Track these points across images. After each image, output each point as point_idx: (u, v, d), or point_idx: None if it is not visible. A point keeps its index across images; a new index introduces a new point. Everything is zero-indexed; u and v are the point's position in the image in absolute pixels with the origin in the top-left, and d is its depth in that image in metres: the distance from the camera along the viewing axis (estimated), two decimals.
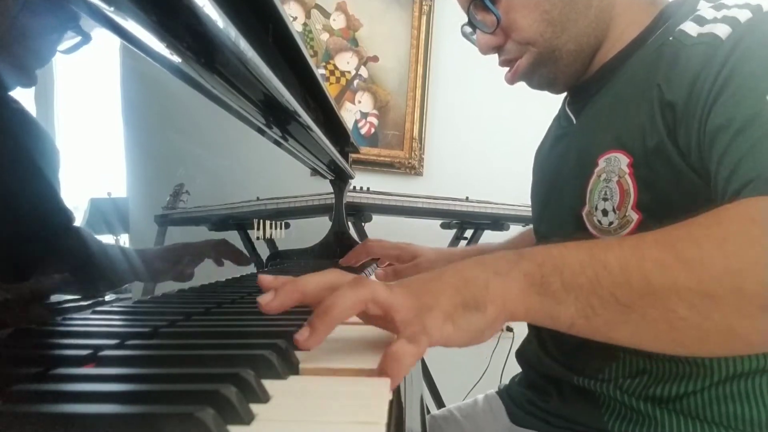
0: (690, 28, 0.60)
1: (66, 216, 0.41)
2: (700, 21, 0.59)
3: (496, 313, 0.42)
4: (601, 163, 0.64)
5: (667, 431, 0.60)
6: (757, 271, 0.40)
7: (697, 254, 0.42)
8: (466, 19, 0.74)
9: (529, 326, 0.77)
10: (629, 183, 0.61)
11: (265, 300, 0.41)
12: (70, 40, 0.40)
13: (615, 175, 0.62)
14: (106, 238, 0.47)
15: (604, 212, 0.63)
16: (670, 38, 0.61)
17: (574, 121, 0.75)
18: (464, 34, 0.79)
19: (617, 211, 0.62)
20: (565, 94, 0.80)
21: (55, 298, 0.40)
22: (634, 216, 0.60)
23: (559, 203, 0.73)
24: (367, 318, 0.43)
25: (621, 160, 0.62)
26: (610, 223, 0.63)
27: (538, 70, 0.71)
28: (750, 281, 0.40)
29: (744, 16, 0.56)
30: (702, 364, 0.59)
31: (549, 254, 0.45)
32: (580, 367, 0.67)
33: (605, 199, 0.63)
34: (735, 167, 0.50)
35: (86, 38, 0.41)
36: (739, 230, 0.42)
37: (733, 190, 0.49)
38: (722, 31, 0.56)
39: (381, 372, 0.35)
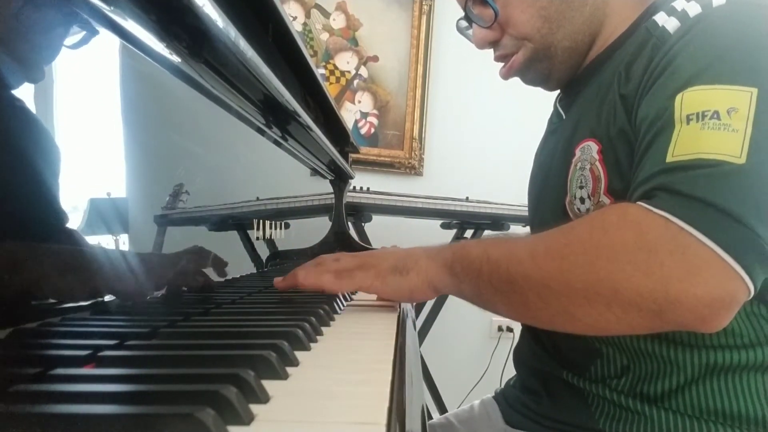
0: (660, 18, 0.61)
1: (60, 218, 0.40)
2: (670, 11, 0.60)
3: (416, 281, 0.60)
4: (578, 152, 0.66)
5: (657, 428, 0.60)
6: (579, 269, 0.50)
7: (544, 253, 0.53)
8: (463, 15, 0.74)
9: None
10: (599, 169, 0.62)
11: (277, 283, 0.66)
12: (76, 34, 0.40)
13: (588, 163, 0.63)
14: (106, 239, 0.47)
15: (582, 200, 0.65)
16: (643, 28, 0.62)
17: (564, 117, 0.76)
18: (459, 29, 0.79)
19: (592, 198, 0.63)
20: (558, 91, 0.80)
21: (49, 299, 0.40)
22: (607, 201, 0.61)
23: (548, 196, 0.74)
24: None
25: (592, 148, 0.63)
26: (587, 210, 0.64)
27: (533, 66, 0.72)
28: (574, 278, 0.50)
29: (694, 10, 0.57)
30: (675, 361, 0.59)
31: (462, 246, 0.60)
32: (568, 361, 0.68)
33: (581, 187, 0.65)
34: (636, 165, 0.55)
35: (92, 32, 0.41)
36: (577, 236, 0.52)
37: (632, 189, 0.54)
38: (672, 25, 0.58)
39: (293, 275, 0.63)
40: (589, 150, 0.64)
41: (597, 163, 0.62)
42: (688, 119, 0.50)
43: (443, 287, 0.60)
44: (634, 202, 0.51)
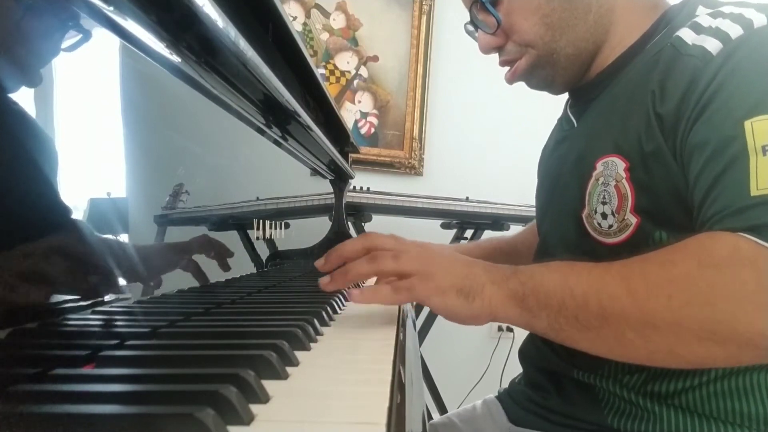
0: (686, 34, 0.60)
1: (64, 214, 0.40)
2: (697, 29, 0.60)
3: (479, 308, 0.54)
4: (599, 167, 0.65)
5: (666, 427, 0.60)
6: (694, 309, 0.47)
7: (644, 289, 0.49)
8: (467, 19, 0.75)
9: None
10: (626, 187, 0.61)
11: (319, 264, 0.60)
12: (71, 38, 0.40)
13: (612, 180, 0.63)
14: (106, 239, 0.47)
15: (604, 215, 0.64)
16: (668, 44, 0.62)
17: (575, 124, 0.76)
18: (467, 32, 0.80)
19: (616, 215, 0.63)
20: (567, 96, 0.80)
21: (53, 298, 0.40)
22: (633, 219, 0.61)
23: (560, 205, 0.74)
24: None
25: (618, 165, 0.62)
26: (610, 226, 0.63)
27: (537, 72, 0.73)
28: (687, 318, 0.47)
29: (735, 32, 0.56)
30: None
31: (532, 275, 0.54)
32: (580, 360, 0.68)
33: (604, 203, 0.64)
34: (706, 192, 0.53)
35: (87, 36, 0.41)
36: (684, 273, 0.48)
37: (703, 219, 0.53)
38: (713, 46, 0.57)
39: (356, 292, 0.54)
40: (614, 166, 0.63)
41: (624, 181, 0.61)
42: (765, 150, 0.50)
43: (506, 319, 0.55)
44: (723, 231, 0.50)
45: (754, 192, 0.49)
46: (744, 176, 0.50)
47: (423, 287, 0.54)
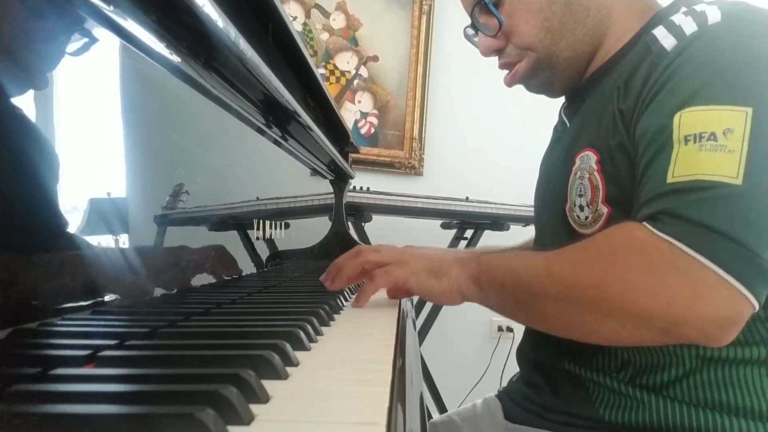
0: (660, 33, 0.62)
1: (61, 222, 0.40)
2: (670, 26, 0.61)
3: (448, 286, 0.64)
4: (578, 161, 0.68)
5: (657, 416, 0.61)
6: (593, 288, 0.53)
7: (559, 269, 0.56)
8: (467, 20, 0.76)
9: None
10: (598, 179, 0.64)
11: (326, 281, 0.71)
12: (77, 42, 0.40)
13: (587, 172, 0.65)
14: (106, 239, 0.47)
15: (581, 207, 0.67)
16: (643, 42, 0.63)
17: (568, 125, 0.78)
18: (466, 36, 0.81)
19: (590, 206, 0.65)
20: (563, 99, 0.81)
21: (51, 300, 0.40)
22: (604, 209, 0.63)
23: (551, 202, 0.76)
24: (366, 274, 0.69)
25: (591, 158, 0.65)
26: (586, 218, 0.66)
27: (536, 75, 0.74)
28: (589, 296, 0.54)
29: (690, 29, 0.58)
30: (674, 353, 0.61)
31: (488, 259, 0.64)
32: (570, 349, 0.69)
33: (580, 195, 0.67)
34: (638, 181, 0.57)
35: (93, 40, 0.41)
36: (590, 256, 0.55)
37: (636, 207, 0.56)
38: (669, 43, 0.60)
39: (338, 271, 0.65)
40: (587, 160, 0.66)
41: (595, 173, 0.64)
42: (686, 140, 0.52)
43: (470, 296, 0.64)
44: (639, 221, 0.54)
45: (669, 179, 0.52)
46: (665, 165, 0.53)
47: (399, 271, 0.65)
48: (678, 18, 0.61)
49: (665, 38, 0.60)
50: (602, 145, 0.64)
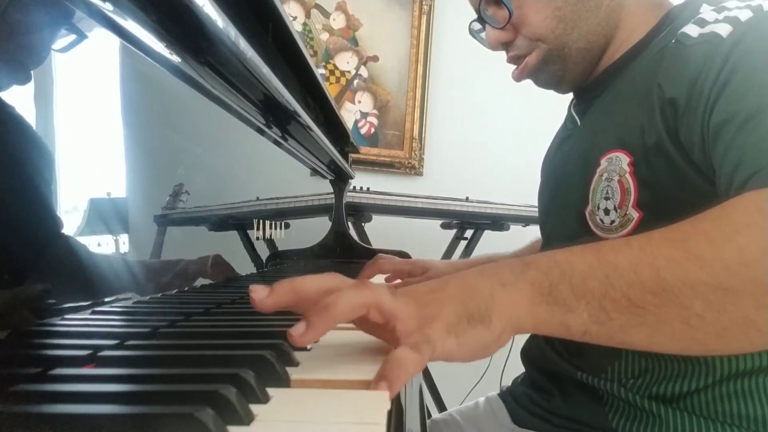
0: (691, 30, 0.60)
1: (55, 223, 0.40)
2: (702, 23, 0.60)
3: (502, 327, 0.40)
4: (603, 162, 0.65)
5: (671, 429, 0.60)
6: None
7: (709, 248, 0.41)
8: (467, 19, 0.75)
9: None
10: (630, 182, 0.61)
11: (258, 296, 0.39)
12: (65, 38, 0.40)
13: (616, 174, 0.63)
14: (106, 239, 0.47)
15: (606, 211, 0.64)
16: (672, 41, 0.62)
17: (579, 123, 0.76)
18: (471, 32, 0.79)
19: (618, 210, 0.62)
20: (571, 97, 0.80)
21: (53, 298, 0.40)
22: (635, 214, 0.61)
23: (564, 203, 0.74)
24: (364, 324, 0.41)
25: (622, 159, 0.62)
26: (612, 222, 0.64)
27: (547, 68, 0.72)
28: (765, 271, 0.39)
29: (745, 15, 0.56)
30: (704, 362, 0.59)
31: (555, 261, 0.43)
32: (584, 362, 0.67)
33: (607, 198, 0.64)
34: (738, 161, 0.49)
35: (81, 36, 0.41)
36: (749, 221, 0.41)
37: (738, 184, 0.48)
38: (723, 29, 0.56)
39: (381, 377, 0.33)
40: (618, 161, 0.63)
41: (627, 176, 0.61)
42: None
43: (532, 325, 0.43)
44: (742, 192, 0.46)
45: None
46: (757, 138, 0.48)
47: (436, 333, 0.38)
48: (710, 15, 0.59)
49: (713, 28, 0.57)
50: (636, 146, 0.61)
